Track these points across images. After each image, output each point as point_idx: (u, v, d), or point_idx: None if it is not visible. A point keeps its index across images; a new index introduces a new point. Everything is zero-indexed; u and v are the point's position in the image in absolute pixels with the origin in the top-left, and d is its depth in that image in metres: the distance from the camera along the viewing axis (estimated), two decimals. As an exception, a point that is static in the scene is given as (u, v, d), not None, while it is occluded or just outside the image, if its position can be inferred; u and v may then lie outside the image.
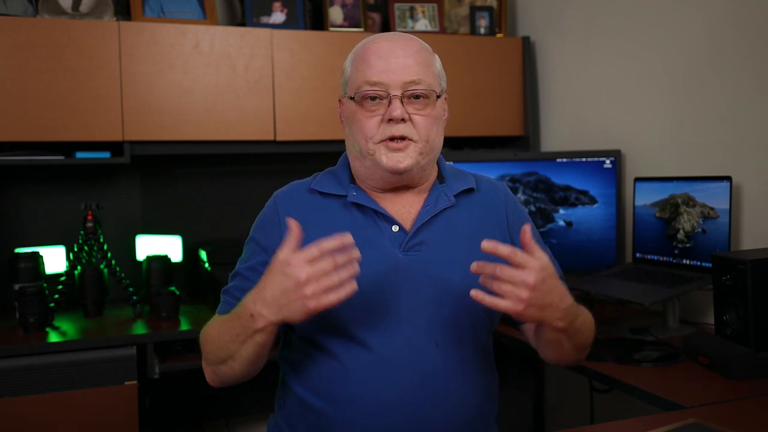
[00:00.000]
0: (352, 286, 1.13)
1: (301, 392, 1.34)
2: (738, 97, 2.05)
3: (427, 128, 1.30)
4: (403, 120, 1.28)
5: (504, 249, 1.14)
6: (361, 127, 1.30)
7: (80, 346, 2.07)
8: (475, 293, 1.14)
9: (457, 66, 2.73)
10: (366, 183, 1.36)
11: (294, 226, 1.15)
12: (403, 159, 1.28)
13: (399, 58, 1.29)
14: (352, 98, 1.32)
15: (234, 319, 1.21)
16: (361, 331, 1.27)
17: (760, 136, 1.99)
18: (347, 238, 1.13)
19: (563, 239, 2.47)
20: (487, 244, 1.15)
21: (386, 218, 1.33)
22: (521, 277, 1.13)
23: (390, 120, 1.28)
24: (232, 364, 1.26)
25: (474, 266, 1.15)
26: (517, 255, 1.14)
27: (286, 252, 1.14)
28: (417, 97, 1.29)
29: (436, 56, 1.38)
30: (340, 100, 1.39)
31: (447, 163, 1.44)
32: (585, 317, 1.34)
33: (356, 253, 1.14)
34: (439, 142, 1.36)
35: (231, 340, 1.22)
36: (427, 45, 1.36)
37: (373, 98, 1.29)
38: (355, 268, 1.14)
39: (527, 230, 1.17)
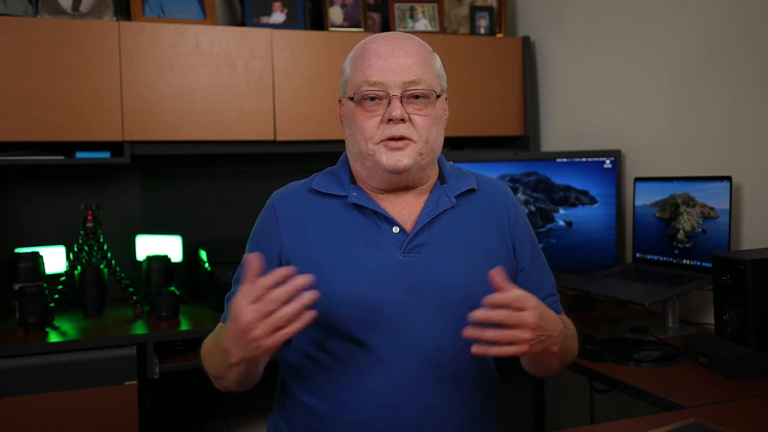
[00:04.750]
0: (306, 317, 1.09)
1: (300, 393, 1.34)
2: (738, 97, 2.05)
3: (426, 128, 1.29)
4: (402, 120, 1.27)
5: (505, 287, 1.14)
6: (361, 128, 1.29)
7: (80, 346, 2.07)
8: (476, 349, 1.13)
9: (457, 66, 2.73)
10: (366, 184, 1.36)
11: (252, 262, 1.10)
12: (402, 158, 1.28)
13: (398, 57, 1.28)
14: (351, 99, 1.31)
15: (216, 348, 1.22)
16: (361, 333, 1.27)
17: (761, 136, 1.99)
18: (288, 270, 1.09)
19: (563, 239, 2.47)
20: (497, 279, 1.14)
21: (387, 219, 1.32)
22: (523, 319, 1.13)
23: (389, 120, 1.27)
24: (224, 383, 1.28)
25: (477, 315, 1.13)
26: (518, 298, 1.13)
27: (237, 295, 1.11)
28: (417, 97, 1.29)
29: (437, 56, 1.37)
30: (339, 101, 1.38)
31: (448, 162, 1.44)
32: (571, 331, 1.36)
33: (301, 281, 1.08)
34: (440, 143, 1.35)
35: (217, 365, 1.24)
36: (426, 44, 1.35)
37: (373, 98, 1.28)
38: (306, 298, 1.08)
39: (497, 273, 1.15)
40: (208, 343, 1.32)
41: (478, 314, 1.13)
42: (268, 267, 1.34)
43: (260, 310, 1.07)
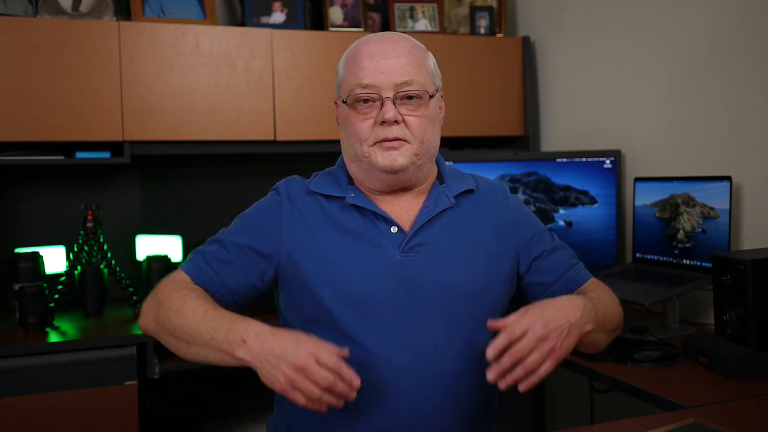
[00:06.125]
0: (321, 406, 1.12)
1: (300, 392, 1.34)
2: (738, 97, 2.05)
3: (421, 129, 1.29)
4: (396, 122, 1.27)
5: (500, 327, 1.15)
6: (355, 131, 1.29)
7: (80, 346, 2.07)
8: (522, 387, 1.14)
9: (457, 66, 2.73)
10: (364, 185, 1.36)
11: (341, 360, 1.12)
12: (398, 157, 1.27)
13: (390, 59, 1.27)
14: (345, 102, 1.31)
15: (221, 329, 1.17)
16: (360, 333, 1.27)
17: (760, 136, 1.99)
18: (357, 381, 1.12)
19: (563, 239, 2.44)
20: (491, 324, 1.15)
21: (385, 219, 1.32)
22: (533, 337, 1.13)
23: (383, 122, 1.27)
24: (185, 351, 1.22)
25: (490, 354, 1.13)
26: (513, 328, 1.13)
27: (320, 344, 1.12)
28: (410, 97, 1.28)
29: (430, 54, 1.36)
30: (335, 102, 1.38)
31: (446, 163, 1.43)
32: (602, 298, 1.34)
33: (352, 394, 1.13)
34: (436, 142, 1.34)
35: (202, 339, 1.18)
36: (419, 43, 1.35)
37: (366, 101, 1.28)
38: (345, 399, 1.13)
39: (494, 324, 1.15)
40: (186, 306, 1.24)
41: (490, 376, 1.14)
42: (249, 256, 1.34)
43: (319, 373, 1.09)
